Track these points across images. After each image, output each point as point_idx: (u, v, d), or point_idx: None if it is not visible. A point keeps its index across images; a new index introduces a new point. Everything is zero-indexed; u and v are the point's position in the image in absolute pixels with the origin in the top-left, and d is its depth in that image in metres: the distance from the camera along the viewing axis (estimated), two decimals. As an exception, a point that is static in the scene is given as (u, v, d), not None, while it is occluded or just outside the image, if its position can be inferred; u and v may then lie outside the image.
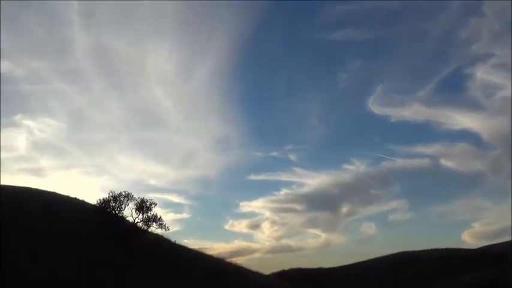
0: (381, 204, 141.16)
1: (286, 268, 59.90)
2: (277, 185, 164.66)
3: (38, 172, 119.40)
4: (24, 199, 25.02)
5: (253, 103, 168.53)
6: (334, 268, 60.24)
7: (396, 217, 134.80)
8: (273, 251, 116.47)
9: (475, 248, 67.50)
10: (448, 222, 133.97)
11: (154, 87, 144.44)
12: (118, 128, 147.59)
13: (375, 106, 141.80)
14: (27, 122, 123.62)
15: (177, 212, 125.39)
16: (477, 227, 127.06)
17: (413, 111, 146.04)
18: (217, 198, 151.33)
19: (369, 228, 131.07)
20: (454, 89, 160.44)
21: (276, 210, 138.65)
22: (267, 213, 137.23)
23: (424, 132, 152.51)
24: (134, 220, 27.28)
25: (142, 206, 27.32)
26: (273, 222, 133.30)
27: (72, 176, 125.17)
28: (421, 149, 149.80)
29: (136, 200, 27.39)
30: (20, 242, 19.49)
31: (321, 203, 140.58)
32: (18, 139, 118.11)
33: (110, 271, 21.10)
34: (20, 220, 21.68)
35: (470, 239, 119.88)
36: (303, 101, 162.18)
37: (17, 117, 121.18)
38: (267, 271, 48.35)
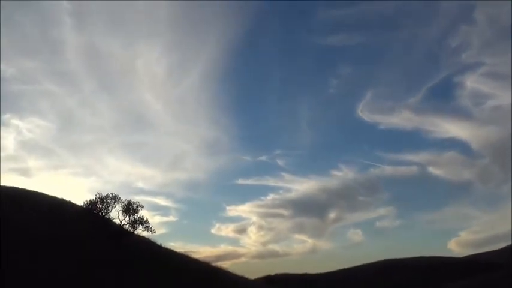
0: (369, 211, 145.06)
1: (272, 273, 60.39)
2: (264, 190, 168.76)
3: (25, 172, 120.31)
4: (12, 199, 25.25)
5: (243, 107, 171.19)
6: (320, 274, 60.84)
7: (383, 224, 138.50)
8: (259, 256, 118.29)
9: (461, 256, 69.46)
10: (435, 230, 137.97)
11: (145, 89, 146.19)
12: (107, 130, 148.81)
13: (364, 113, 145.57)
14: (16, 122, 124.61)
15: (164, 214, 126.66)
16: (464, 235, 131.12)
17: (402, 119, 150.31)
18: (204, 201, 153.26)
19: (356, 235, 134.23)
20: (443, 97, 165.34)
21: (263, 215, 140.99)
22: (254, 218, 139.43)
23: (412, 139, 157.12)
24: (121, 222, 27.75)
25: (129, 208, 27.74)
26: (260, 227, 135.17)
27: (59, 176, 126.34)
28: (409, 156, 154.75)
29: (123, 202, 27.83)
30: (10, 243, 19.80)
31: (308, 209, 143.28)
32: (7, 139, 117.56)
33: (97, 272, 21.52)
34: (9, 221, 21.96)
35: (456, 247, 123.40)
36: (293, 106, 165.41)
37: (6, 116, 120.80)
38: (252, 276, 49.22)
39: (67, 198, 33.47)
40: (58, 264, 19.67)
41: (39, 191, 32.95)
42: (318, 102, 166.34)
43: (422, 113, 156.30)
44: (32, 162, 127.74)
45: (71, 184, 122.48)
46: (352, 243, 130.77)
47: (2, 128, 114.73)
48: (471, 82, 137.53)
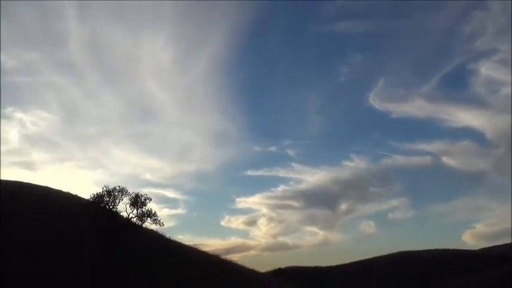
0: (381, 202, 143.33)
1: (283, 266, 60.55)
2: (274, 181, 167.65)
3: (30, 166, 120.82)
4: (16, 194, 25.61)
5: (252, 97, 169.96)
6: (332, 267, 61.15)
7: (396, 216, 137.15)
8: (270, 248, 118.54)
9: (475, 249, 69.15)
10: (449, 222, 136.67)
11: (150, 79, 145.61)
12: (113, 121, 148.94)
13: (375, 101, 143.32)
14: (20, 115, 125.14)
15: (172, 207, 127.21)
16: (479, 227, 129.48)
17: (415, 107, 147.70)
18: (213, 193, 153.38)
19: (368, 227, 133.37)
20: (457, 85, 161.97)
21: (273, 207, 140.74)
22: (264, 210, 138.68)
23: (426, 128, 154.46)
24: (128, 215, 27.83)
25: (137, 201, 27.77)
26: (270, 219, 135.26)
27: (65, 170, 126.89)
28: (422, 146, 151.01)
29: (130, 194, 27.87)
30: (13, 240, 20.03)
31: (319, 200, 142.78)
32: (10, 132, 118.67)
33: (103, 267, 21.78)
34: (13, 216, 22.28)
35: (471, 239, 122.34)
36: (303, 95, 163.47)
37: (9, 109, 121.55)
38: (262, 269, 49.37)
39: (73, 192, 34.10)
40: (60, 263, 19.75)
41: (44, 184, 33.60)
42: (328, 91, 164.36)
43: (436, 101, 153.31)
44: (36, 156, 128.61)
45: (76, 177, 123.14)
46: (364, 235, 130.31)
47: (5, 121, 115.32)
48: (485, 69, 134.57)
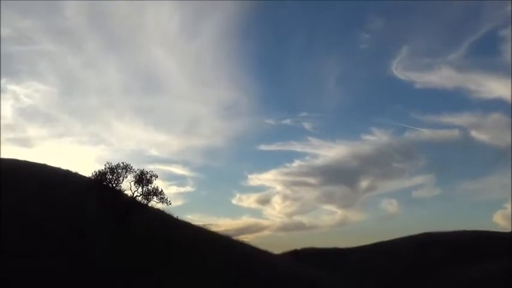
0: (404, 179, 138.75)
1: (298, 248, 59.91)
2: (289, 156, 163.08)
3: (26, 142, 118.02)
4: (12, 173, 24.82)
5: (265, 65, 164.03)
6: (351, 249, 59.90)
7: (421, 194, 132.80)
8: (284, 228, 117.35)
9: (507, 231, 66.44)
10: (478, 201, 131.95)
11: (156, 47, 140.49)
12: (115, 93, 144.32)
13: (398, 70, 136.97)
14: (13, 87, 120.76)
15: (180, 185, 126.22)
16: (510, 207, 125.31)
17: (441, 77, 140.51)
18: (224, 170, 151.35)
19: (390, 206, 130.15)
20: (488, 53, 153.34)
21: (288, 184, 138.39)
22: (278, 187, 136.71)
23: (453, 100, 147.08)
24: (133, 194, 27.21)
25: (142, 179, 27.20)
26: (285, 197, 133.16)
27: (63, 146, 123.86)
28: (449, 119, 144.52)
29: (135, 171, 27.30)
30: (11, 223, 19.30)
31: (338, 177, 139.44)
32: (3, 106, 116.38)
33: (109, 250, 21.01)
34: (10, 197, 21.50)
35: (502, 220, 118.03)
36: (320, 64, 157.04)
37: (2, 81, 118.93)
38: (277, 250, 48.73)
39: (73, 170, 33.47)
40: (62, 247, 19.08)
41: (41, 162, 32.82)
42: (347, 59, 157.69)
43: (464, 70, 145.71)
44: (33, 131, 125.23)
45: (76, 154, 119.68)
46: (386, 214, 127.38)
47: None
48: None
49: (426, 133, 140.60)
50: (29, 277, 16.32)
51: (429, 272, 43.88)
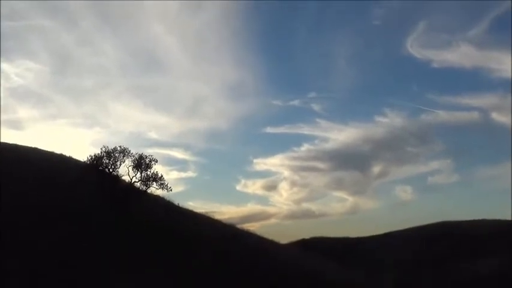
0: (419, 164, 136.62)
1: (307, 237, 59.69)
2: (297, 140, 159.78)
3: (16, 124, 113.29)
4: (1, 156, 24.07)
5: (272, 43, 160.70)
6: (362, 238, 59.52)
7: (437, 180, 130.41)
8: (292, 216, 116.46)
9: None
10: (499, 188, 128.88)
11: (156, 23, 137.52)
12: (111, 72, 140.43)
13: (414, 48, 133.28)
14: (3, 66, 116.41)
15: (181, 169, 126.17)
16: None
17: (460, 55, 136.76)
18: (228, 154, 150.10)
19: (405, 192, 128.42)
20: (510, 29, 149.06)
21: (296, 169, 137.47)
22: (286, 172, 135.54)
23: (473, 80, 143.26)
24: (131, 179, 26.88)
25: (141, 163, 26.94)
26: (292, 183, 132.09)
27: (57, 128, 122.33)
28: (468, 100, 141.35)
29: (133, 156, 26.96)
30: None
31: (349, 161, 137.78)
32: None
33: (106, 239, 20.22)
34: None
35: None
36: (330, 42, 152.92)
37: None
38: (284, 240, 48.09)
39: (67, 154, 33.18)
40: (60, 236, 18.38)
41: (33, 146, 32.43)
42: (359, 36, 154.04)
43: (485, 48, 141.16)
44: (24, 113, 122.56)
45: (70, 137, 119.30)
46: (400, 201, 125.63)
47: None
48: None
49: (443, 115, 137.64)
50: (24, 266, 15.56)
51: (439, 265, 42.89)
